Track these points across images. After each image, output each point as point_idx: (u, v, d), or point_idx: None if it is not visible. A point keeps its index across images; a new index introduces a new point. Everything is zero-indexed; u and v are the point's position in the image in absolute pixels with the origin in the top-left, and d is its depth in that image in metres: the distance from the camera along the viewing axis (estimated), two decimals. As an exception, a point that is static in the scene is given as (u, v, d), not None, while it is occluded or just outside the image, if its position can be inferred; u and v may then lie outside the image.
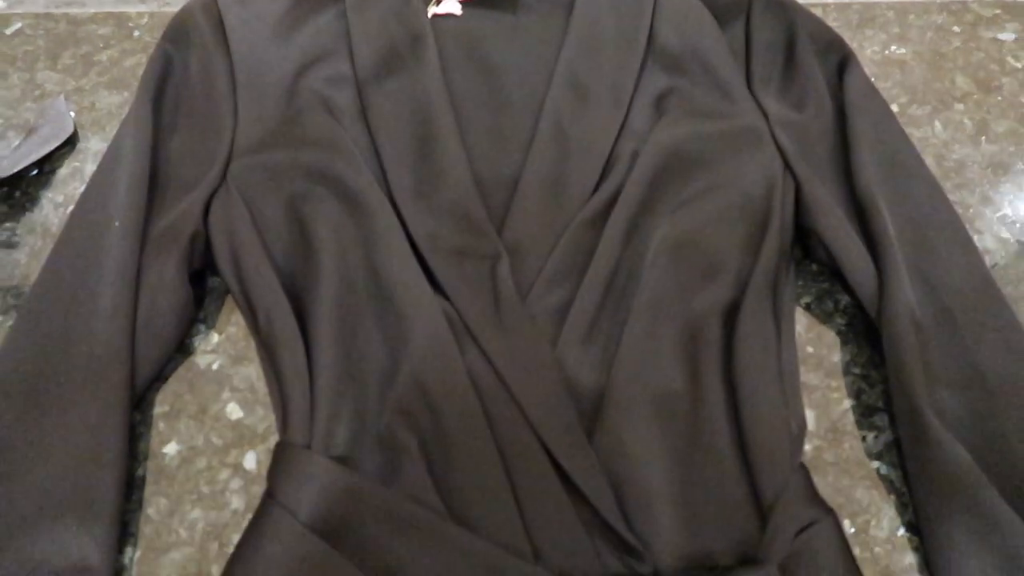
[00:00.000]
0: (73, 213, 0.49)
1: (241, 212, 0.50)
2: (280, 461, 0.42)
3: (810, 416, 0.46)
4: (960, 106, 0.58)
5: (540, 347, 0.45)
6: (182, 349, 0.48)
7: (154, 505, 0.44)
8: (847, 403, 0.47)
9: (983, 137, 0.57)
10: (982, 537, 0.40)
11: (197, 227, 0.49)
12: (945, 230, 0.50)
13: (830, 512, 0.41)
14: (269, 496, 0.41)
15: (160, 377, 0.47)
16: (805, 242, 0.51)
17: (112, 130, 0.53)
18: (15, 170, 0.53)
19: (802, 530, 0.40)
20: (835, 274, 0.51)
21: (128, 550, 0.42)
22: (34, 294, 0.47)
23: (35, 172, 0.56)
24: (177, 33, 0.57)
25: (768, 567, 0.38)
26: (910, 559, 0.42)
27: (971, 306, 0.47)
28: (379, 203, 0.50)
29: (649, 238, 0.50)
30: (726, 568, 0.39)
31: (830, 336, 0.49)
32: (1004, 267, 0.51)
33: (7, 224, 0.53)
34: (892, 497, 0.44)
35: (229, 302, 0.50)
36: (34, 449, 0.43)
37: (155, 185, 0.52)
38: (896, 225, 0.50)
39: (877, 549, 0.43)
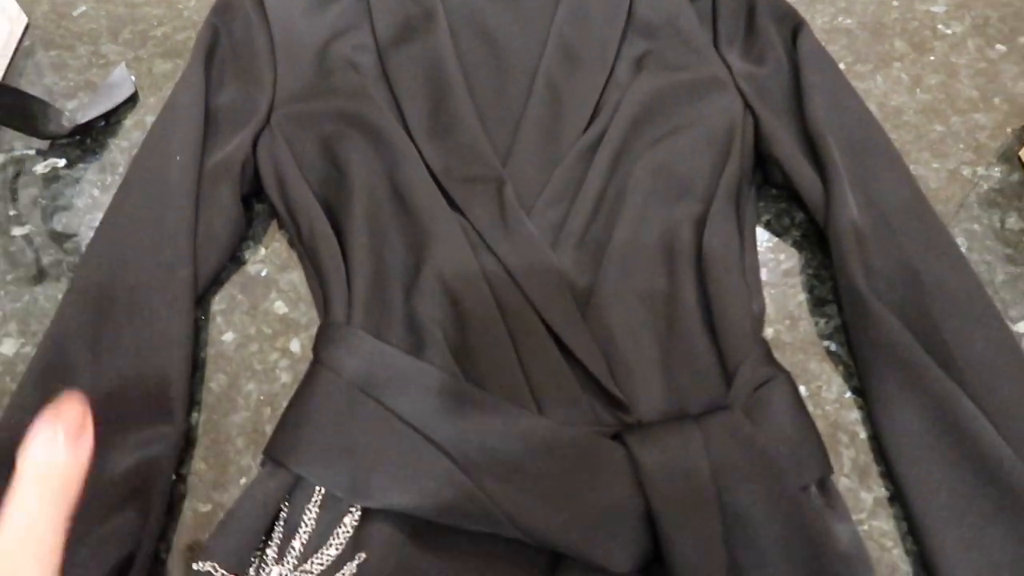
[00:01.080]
0: (139, 152, 0.58)
1: (283, 148, 0.59)
2: (324, 335, 0.50)
3: (770, 307, 0.54)
4: (898, 64, 0.68)
5: (542, 249, 0.53)
6: (235, 260, 0.57)
7: (215, 381, 0.51)
8: (802, 296, 0.55)
9: (917, 88, 0.66)
10: (912, 388, 0.48)
11: (247, 158, 0.58)
12: (882, 155, 0.59)
13: (785, 372, 0.49)
14: (316, 362, 0.48)
15: (217, 282, 0.55)
16: (765, 169, 0.60)
17: (168, 90, 0.62)
18: (85, 119, 0.62)
19: (761, 385, 0.48)
20: (791, 196, 0.59)
21: (195, 415, 0.50)
22: (107, 217, 0.55)
23: (102, 124, 0.65)
24: (223, 8, 0.67)
25: (734, 410, 0.46)
26: (855, 415, 0.50)
27: (904, 215, 0.56)
28: (401, 140, 0.58)
29: (631, 167, 0.58)
30: (698, 415, 0.46)
31: (787, 245, 0.57)
32: (935, 190, 0.60)
33: (80, 165, 0.62)
34: (840, 368, 0.52)
35: (272, 225, 0.59)
36: (113, 341, 0.50)
37: (208, 129, 0.61)
38: (840, 152, 0.58)
39: (828, 408, 0.50)
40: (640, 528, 0.42)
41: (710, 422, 0.45)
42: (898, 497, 0.46)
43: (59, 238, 0.58)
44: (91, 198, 0.60)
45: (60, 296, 0.54)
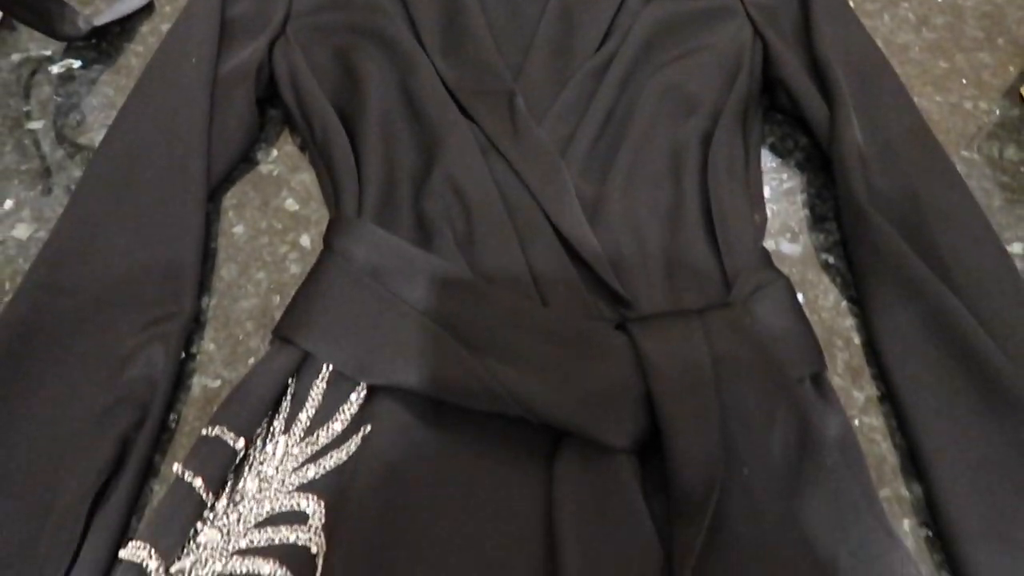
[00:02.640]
0: (156, 54, 0.59)
1: (299, 55, 0.60)
2: (335, 227, 0.50)
3: (772, 222, 0.56)
4: (905, 4, 0.69)
5: (551, 153, 0.54)
6: (247, 160, 0.57)
7: (226, 269, 0.52)
8: (803, 212, 0.56)
9: (924, 27, 0.67)
10: (909, 293, 0.49)
11: (262, 63, 0.59)
12: (887, 85, 0.60)
13: (784, 277, 0.50)
14: (326, 249, 0.49)
15: (229, 180, 0.56)
16: (772, 93, 0.61)
17: (183, 2, 0.63)
18: (102, 23, 0.63)
19: (760, 288, 0.50)
20: (796, 120, 0.60)
21: (205, 299, 0.51)
22: (124, 113, 0.56)
23: (118, 29, 0.65)
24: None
25: (735, 307, 0.47)
26: (850, 322, 0.51)
27: (906, 141, 0.57)
28: (415, 52, 0.59)
29: (641, 86, 0.59)
30: (701, 309, 0.47)
31: (790, 166, 0.59)
32: (937, 122, 0.61)
33: (96, 66, 0.63)
34: (838, 279, 0.53)
35: (285, 130, 0.60)
36: (126, 227, 0.51)
37: (223, 38, 0.61)
38: (846, 79, 0.59)
39: (824, 314, 0.52)
40: (639, 409, 0.43)
41: (712, 315, 0.46)
42: (889, 396, 0.48)
43: (73, 132, 0.59)
44: (105, 98, 0.61)
45: (73, 186, 0.54)
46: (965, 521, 0.43)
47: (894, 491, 0.45)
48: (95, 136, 0.58)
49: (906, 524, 0.44)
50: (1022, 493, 0.42)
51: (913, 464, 0.46)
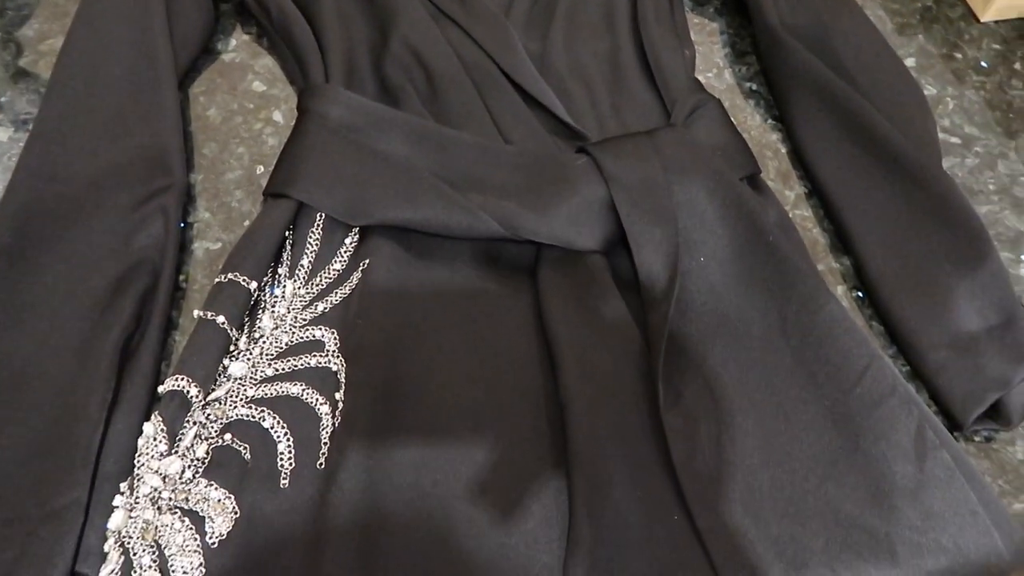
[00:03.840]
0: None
1: None
2: (309, 92, 0.54)
3: (699, 60, 0.62)
4: None
5: (495, 14, 0.59)
6: (208, 51, 0.60)
7: (207, 148, 0.56)
8: (725, 49, 0.63)
9: None
10: (824, 100, 0.56)
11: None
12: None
13: (716, 99, 0.57)
14: (303, 112, 0.53)
15: (193, 70, 0.59)
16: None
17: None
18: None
19: (696, 109, 0.56)
20: (711, -28, 0.66)
21: (193, 175, 0.54)
22: (81, 18, 0.58)
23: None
24: None
25: (677, 126, 0.53)
26: (776, 136, 0.59)
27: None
28: None
29: None
30: (651, 130, 0.53)
31: (710, 12, 0.65)
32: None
33: (39, -21, 0.64)
34: (761, 102, 0.60)
35: (239, 21, 0.62)
36: (103, 116, 0.54)
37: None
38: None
39: (753, 132, 0.59)
40: (605, 216, 0.49)
41: (658, 134, 0.52)
42: (815, 190, 0.55)
43: (31, 41, 0.60)
44: (55, 6, 0.62)
45: (43, 90, 0.56)
46: (886, 278, 0.51)
47: (827, 265, 0.53)
48: (56, 42, 0.60)
49: (839, 290, 0.52)
50: (928, 247, 0.50)
51: (840, 241, 0.53)
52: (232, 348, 0.47)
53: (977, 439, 0.47)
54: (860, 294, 0.52)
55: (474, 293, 0.49)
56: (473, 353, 0.47)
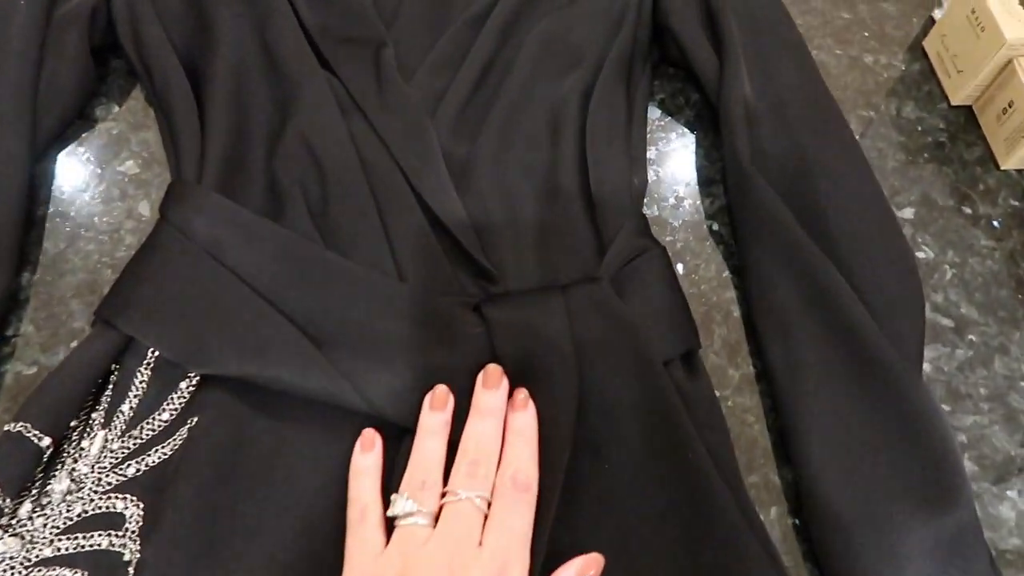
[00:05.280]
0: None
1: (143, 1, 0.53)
2: (173, 194, 0.45)
3: (657, 185, 0.52)
4: (811, -51, 0.65)
5: (416, 113, 0.50)
6: (85, 117, 0.52)
7: (51, 239, 0.47)
8: (690, 175, 0.53)
9: (827, -26, 0.63)
10: (788, 264, 0.46)
11: (98, 5, 0.52)
12: (784, 38, 0.56)
13: (660, 247, 0.47)
14: (162, 220, 0.45)
15: (63, 138, 0.51)
16: (662, 44, 0.57)
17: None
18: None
19: (635, 258, 0.46)
20: (688, 77, 0.56)
21: (26, 275, 0.46)
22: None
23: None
24: None
25: (602, 282, 0.44)
26: (731, 294, 0.49)
27: (800, 99, 0.53)
28: None
29: (522, 37, 0.55)
30: (567, 284, 0.44)
31: (679, 124, 0.55)
32: (835, 76, 0.58)
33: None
34: (721, 247, 0.50)
35: (131, 86, 0.54)
36: None
37: (58, -22, 0.55)
38: (741, 31, 0.55)
39: (704, 286, 0.49)
40: None
41: (575, 292, 0.43)
42: (764, 373, 0.45)
43: None
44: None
45: None
46: (832, 509, 0.41)
47: (763, 477, 0.43)
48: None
49: (773, 512, 0.42)
50: (888, 476, 0.40)
51: (785, 448, 0.43)
52: (8, 518, 0.38)
53: None
54: (797, 521, 0.42)
55: (317, 480, 0.40)
56: (303, 558, 0.38)
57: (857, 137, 0.51)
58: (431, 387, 0.40)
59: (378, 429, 0.40)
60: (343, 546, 0.36)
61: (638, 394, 0.41)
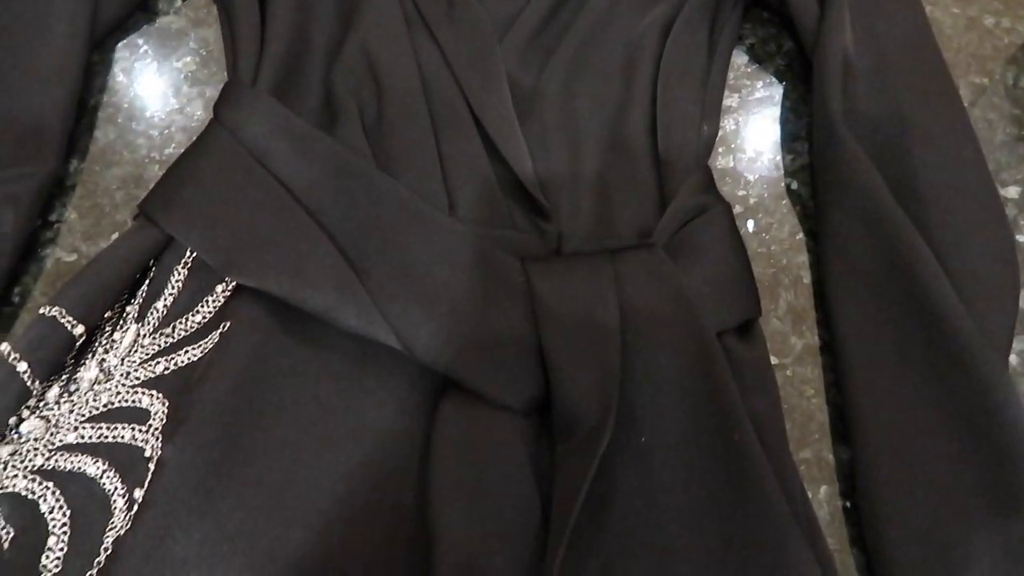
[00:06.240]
0: None
1: None
2: (228, 96, 0.44)
3: (736, 135, 0.48)
4: None
5: (487, 35, 0.47)
6: (147, 8, 0.50)
7: (102, 130, 0.46)
8: (773, 128, 0.49)
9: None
10: (871, 235, 0.42)
11: None
12: (894, -14, 0.51)
13: (724, 204, 0.43)
14: (214, 121, 0.43)
15: (123, 29, 0.49)
16: (758, -15, 0.52)
17: None
18: None
19: (696, 216, 0.43)
20: (784, 22, 0.52)
21: (73, 162, 0.45)
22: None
23: None
24: None
25: (656, 248, 0.41)
26: (803, 258, 0.45)
27: (905, 56, 0.48)
28: None
29: None
30: (617, 249, 0.41)
31: (767, 73, 0.51)
32: (949, 36, 0.53)
33: None
34: (798, 208, 0.46)
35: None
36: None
37: None
38: (847, -25, 0.51)
39: (774, 247, 0.45)
40: (535, 364, 0.38)
41: (627, 259, 0.40)
42: (831, 344, 0.42)
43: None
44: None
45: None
46: (888, 500, 0.37)
47: (816, 453, 0.40)
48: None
49: (823, 491, 0.39)
50: (954, 475, 0.37)
51: (844, 425, 0.40)
52: (36, 399, 0.38)
53: None
54: (848, 504, 0.39)
55: (346, 406, 0.38)
56: (319, 477, 0.37)
57: (966, 105, 0.46)
58: (471, 342, 0.38)
59: (411, 374, 0.38)
60: (360, 473, 0.35)
61: (686, 370, 0.37)
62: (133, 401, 0.38)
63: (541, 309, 0.38)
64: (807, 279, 0.44)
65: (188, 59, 0.49)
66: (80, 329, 0.38)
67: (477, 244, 0.40)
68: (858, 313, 0.41)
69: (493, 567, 0.34)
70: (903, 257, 0.41)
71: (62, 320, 0.38)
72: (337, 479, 0.37)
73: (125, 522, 0.35)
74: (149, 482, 0.35)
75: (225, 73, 0.48)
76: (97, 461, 0.36)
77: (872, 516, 0.38)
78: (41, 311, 0.38)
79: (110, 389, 0.38)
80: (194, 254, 0.40)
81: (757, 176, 0.47)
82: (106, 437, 0.37)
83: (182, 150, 0.45)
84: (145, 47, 0.49)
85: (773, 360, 0.40)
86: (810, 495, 0.37)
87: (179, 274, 0.41)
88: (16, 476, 0.36)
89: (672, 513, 0.35)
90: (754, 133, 0.49)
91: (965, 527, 0.36)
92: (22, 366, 0.37)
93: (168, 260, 0.41)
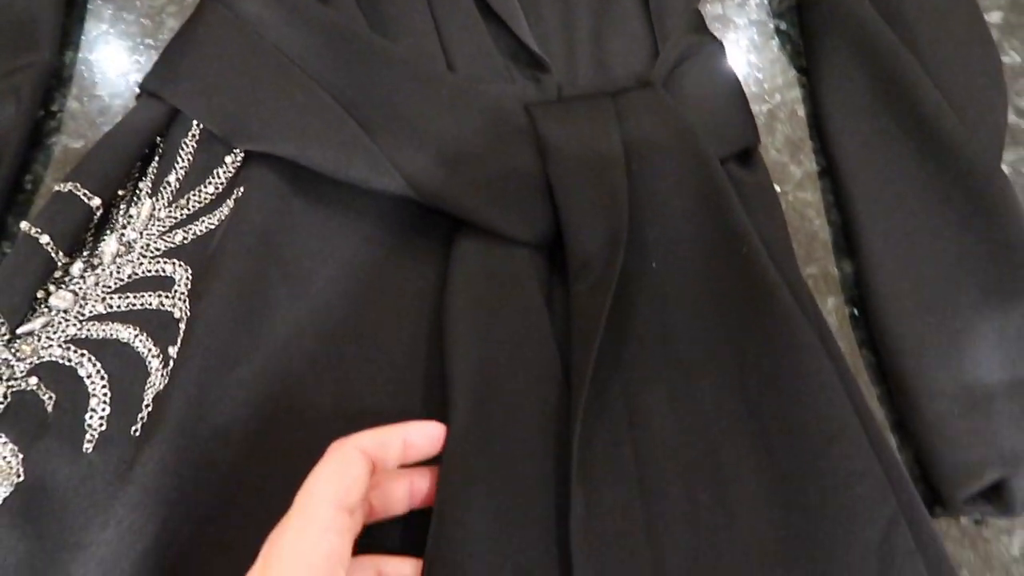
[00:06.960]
0: None
1: None
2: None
3: None
4: None
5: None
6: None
7: (93, 20, 0.46)
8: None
9: None
10: (862, 56, 0.43)
11: None
12: None
13: (717, 42, 0.44)
14: (205, -4, 0.43)
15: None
16: None
17: None
18: None
19: (690, 56, 0.44)
20: None
21: (69, 53, 0.45)
22: None
23: None
24: None
25: (655, 87, 0.41)
26: (797, 93, 0.46)
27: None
28: None
29: None
30: (618, 91, 0.41)
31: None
32: None
33: None
34: (788, 47, 0.47)
35: None
36: None
37: None
38: None
39: (767, 85, 0.46)
40: (543, 199, 0.39)
41: (627, 98, 0.40)
42: (829, 168, 0.43)
43: None
44: None
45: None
46: (893, 296, 0.39)
47: (821, 268, 0.41)
48: None
49: (831, 302, 0.41)
50: (955, 265, 0.38)
51: (847, 240, 0.42)
52: (61, 274, 0.39)
53: (964, 520, 0.37)
54: (856, 311, 0.40)
55: (363, 257, 0.39)
56: (342, 327, 0.38)
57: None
58: (481, 181, 0.39)
59: (425, 220, 0.39)
60: (376, 314, 0.36)
61: (692, 192, 0.38)
62: (156, 271, 0.39)
63: (546, 148, 0.39)
64: (801, 112, 0.45)
65: (174, -56, 0.48)
66: (97, 201, 0.39)
67: (479, 95, 0.41)
68: (856, 134, 0.43)
69: (508, 390, 0.35)
70: (895, 72, 0.42)
71: (78, 193, 0.38)
72: (357, 321, 0.38)
73: (163, 378, 0.36)
74: (181, 340, 0.36)
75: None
76: (128, 327, 0.37)
77: (880, 316, 0.39)
78: (57, 187, 0.38)
79: (132, 261, 0.39)
80: (201, 126, 0.41)
81: (746, 20, 0.48)
82: (134, 305, 0.38)
83: (171, 32, 0.45)
84: (127, -63, 0.48)
85: (775, 188, 0.41)
86: (819, 305, 0.38)
87: (187, 147, 0.41)
88: (51, 346, 0.37)
89: (688, 333, 0.37)
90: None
91: (969, 314, 0.38)
92: (44, 239, 0.37)
93: (175, 134, 0.41)
